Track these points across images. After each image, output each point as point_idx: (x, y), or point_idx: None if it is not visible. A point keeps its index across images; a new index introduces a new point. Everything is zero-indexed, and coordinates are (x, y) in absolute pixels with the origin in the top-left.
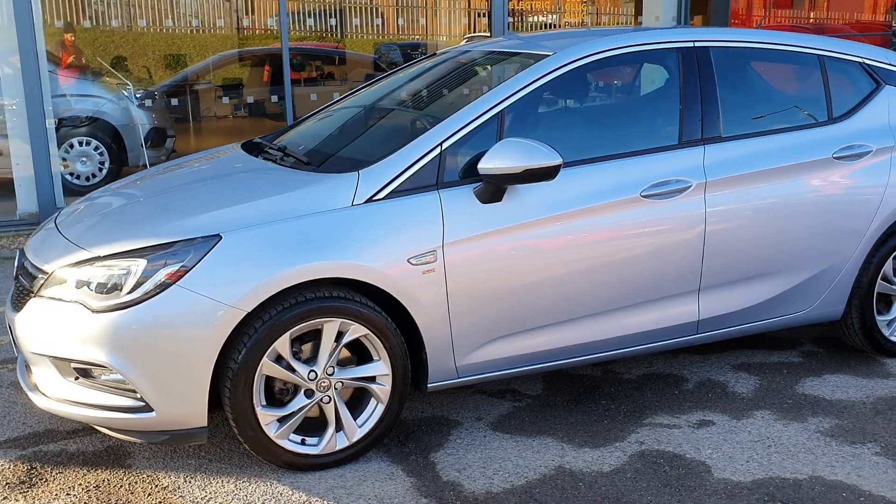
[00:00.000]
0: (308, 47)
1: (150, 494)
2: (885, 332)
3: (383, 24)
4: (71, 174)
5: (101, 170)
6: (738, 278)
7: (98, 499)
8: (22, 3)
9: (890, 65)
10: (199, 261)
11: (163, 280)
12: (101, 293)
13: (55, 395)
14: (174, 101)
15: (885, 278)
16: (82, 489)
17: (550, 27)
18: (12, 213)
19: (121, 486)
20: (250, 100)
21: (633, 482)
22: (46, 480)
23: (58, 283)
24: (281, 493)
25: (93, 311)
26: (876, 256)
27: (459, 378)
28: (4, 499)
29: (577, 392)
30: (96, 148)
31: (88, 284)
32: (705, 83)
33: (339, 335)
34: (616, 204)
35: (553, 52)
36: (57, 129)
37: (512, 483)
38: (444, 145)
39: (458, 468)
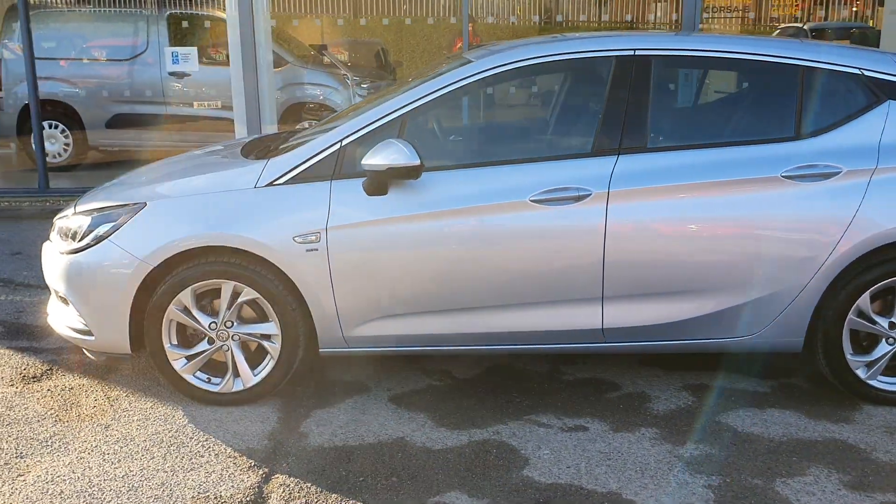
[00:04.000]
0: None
1: (96, 400)
2: (861, 375)
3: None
4: None
5: None
6: (650, 292)
7: (62, 397)
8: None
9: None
10: (127, 222)
11: (100, 234)
12: (65, 240)
13: (55, 316)
14: None
15: (861, 314)
16: (59, 389)
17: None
18: None
19: (83, 390)
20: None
21: (444, 461)
22: (49, 378)
23: (53, 230)
24: (172, 416)
25: (59, 253)
26: (845, 289)
27: (350, 348)
28: (11, 385)
29: (501, 383)
30: None
31: (61, 232)
32: (635, 93)
33: (237, 295)
34: (499, 206)
35: (474, 60)
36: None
37: (346, 442)
38: (345, 142)
39: (320, 423)
